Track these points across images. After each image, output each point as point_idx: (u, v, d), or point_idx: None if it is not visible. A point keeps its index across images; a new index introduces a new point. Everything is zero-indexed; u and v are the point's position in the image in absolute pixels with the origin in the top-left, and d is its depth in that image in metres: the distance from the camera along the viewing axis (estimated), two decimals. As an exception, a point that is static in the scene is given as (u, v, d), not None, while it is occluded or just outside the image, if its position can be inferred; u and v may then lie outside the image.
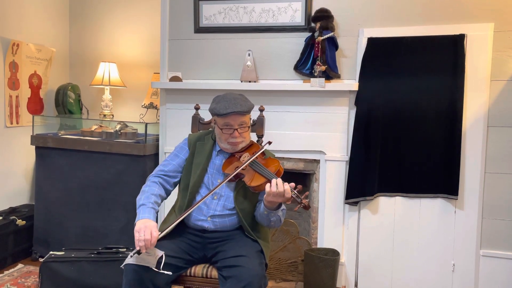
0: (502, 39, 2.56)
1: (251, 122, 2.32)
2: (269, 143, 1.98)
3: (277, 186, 1.73)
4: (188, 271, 1.89)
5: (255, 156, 1.90)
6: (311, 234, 2.91)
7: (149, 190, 1.92)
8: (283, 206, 1.86)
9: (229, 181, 1.92)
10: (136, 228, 1.73)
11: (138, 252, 1.71)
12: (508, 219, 2.63)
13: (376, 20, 2.72)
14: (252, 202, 1.95)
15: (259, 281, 1.69)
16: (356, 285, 2.84)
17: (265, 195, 1.78)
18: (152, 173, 2.03)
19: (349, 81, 2.76)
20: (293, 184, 1.76)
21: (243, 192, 1.93)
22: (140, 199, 1.89)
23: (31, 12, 3.54)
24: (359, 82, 2.71)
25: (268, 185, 1.76)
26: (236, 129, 1.92)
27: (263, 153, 2.00)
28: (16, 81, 3.38)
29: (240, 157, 1.96)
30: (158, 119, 3.24)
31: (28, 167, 3.58)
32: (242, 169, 1.88)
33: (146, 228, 1.71)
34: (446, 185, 2.64)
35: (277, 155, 2.79)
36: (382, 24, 2.71)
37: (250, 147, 2.01)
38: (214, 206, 1.94)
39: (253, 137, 2.34)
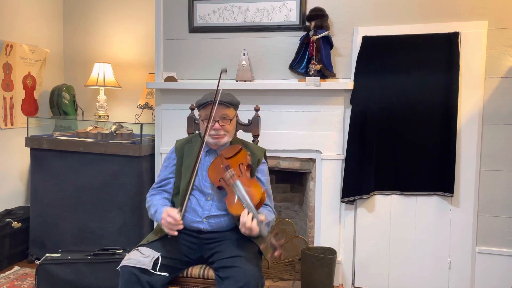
0: (496, 36, 2.57)
1: (247, 122, 2.32)
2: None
3: (246, 222, 1.70)
4: (185, 272, 1.89)
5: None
6: (308, 233, 2.91)
7: (153, 199, 2.02)
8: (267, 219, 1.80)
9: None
10: (162, 223, 1.86)
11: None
12: (503, 216, 2.64)
13: (370, 19, 2.72)
14: None
15: (255, 282, 1.69)
16: (353, 283, 2.85)
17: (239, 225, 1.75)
18: (150, 190, 2.11)
19: (344, 80, 2.77)
20: (263, 217, 1.70)
21: None
22: (150, 208, 1.99)
23: (24, 13, 3.52)
24: (354, 80, 2.71)
25: (243, 215, 1.73)
26: (218, 121, 1.93)
27: (251, 170, 1.96)
28: (10, 83, 3.36)
29: (226, 167, 1.89)
30: (154, 120, 3.23)
31: (23, 169, 3.56)
32: (227, 184, 1.86)
33: (165, 219, 1.84)
34: (441, 183, 2.64)
35: (273, 154, 2.83)
36: (377, 22, 2.71)
37: (238, 154, 1.93)
38: (209, 207, 1.94)
39: (249, 137, 2.34)
